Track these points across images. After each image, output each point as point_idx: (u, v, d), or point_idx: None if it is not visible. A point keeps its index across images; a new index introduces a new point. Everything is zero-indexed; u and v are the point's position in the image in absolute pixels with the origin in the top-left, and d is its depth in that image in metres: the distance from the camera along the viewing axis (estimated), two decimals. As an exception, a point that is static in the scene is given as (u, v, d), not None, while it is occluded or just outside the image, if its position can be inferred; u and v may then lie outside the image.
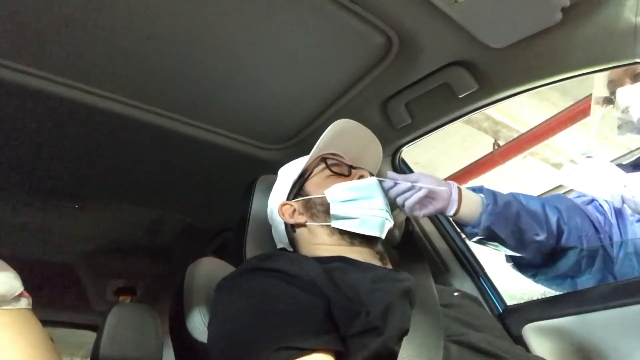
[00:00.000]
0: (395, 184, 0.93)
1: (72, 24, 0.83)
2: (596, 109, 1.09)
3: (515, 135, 3.19)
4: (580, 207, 1.02)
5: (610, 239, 0.99)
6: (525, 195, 1.00)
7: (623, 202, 0.88)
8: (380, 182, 0.95)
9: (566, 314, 0.97)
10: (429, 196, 0.93)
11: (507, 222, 0.93)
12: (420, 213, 0.94)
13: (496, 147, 3.29)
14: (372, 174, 0.98)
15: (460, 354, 0.66)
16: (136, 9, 0.81)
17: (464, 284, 1.19)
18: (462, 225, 0.98)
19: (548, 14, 0.81)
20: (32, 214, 1.62)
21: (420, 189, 0.91)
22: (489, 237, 0.95)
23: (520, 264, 1.07)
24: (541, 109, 3.02)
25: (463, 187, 0.96)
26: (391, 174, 0.95)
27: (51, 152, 1.24)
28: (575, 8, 0.80)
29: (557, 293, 1.05)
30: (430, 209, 0.93)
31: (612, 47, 0.81)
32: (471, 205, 0.94)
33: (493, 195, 0.96)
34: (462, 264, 1.22)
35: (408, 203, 0.92)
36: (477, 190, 0.98)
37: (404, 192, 0.93)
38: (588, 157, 0.95)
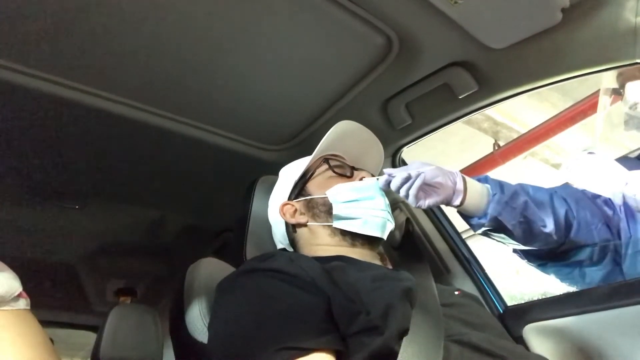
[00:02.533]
0: (392, 177, 0.90)
1: (73, 26, 0.83)
2: (604, 100, 1.07)
3: (515, 136, 3.19)
4: (590, 199, 1.00)
5: (619, 233, 0.98)
6: (533, 187, 0.98)
7: (624, 199, 0.88)
8: (379, 178, 0.92)
9: (567, 314, 0.96)
10: (433, 186, 0.89)
11: (514, 212, 0.90)
12: (425, 203, 0.89)
13: (496, 148, 3.29)
14: (373, 176, 0.97)
15: (461, 353, 0.66)
16: (138, 12, 0.81)
17: (464, 284, 1.19)
18: (467, 216, 0.95)
19: (548, 15, 0.81)
20: (32, 214, 1.62)
21: (419, 175, 0.87)
22: (496, 227, 0.92)
23: (528, 253, 1.04)
24: (541, 109, 3.01)
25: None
26: (387, 169, 0.92)
27: (52, 152, 1.25)
28: (575, 9, 0.79)
29: (558, 293, 1.05)
30: (436, 198, 0.89)
31: (612, 48, 0.81)
32: (477, 195, 0.91)
33: (499, 184, 0.93)
34: (463, 264, 1.22)
35: (411, 192, 0.88)
36: (482, 180, 0.95)
37: (404, 182, 0.89)
38: (590, 153, 0.94)
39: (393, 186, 0.90)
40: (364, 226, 0.88)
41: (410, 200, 0.89)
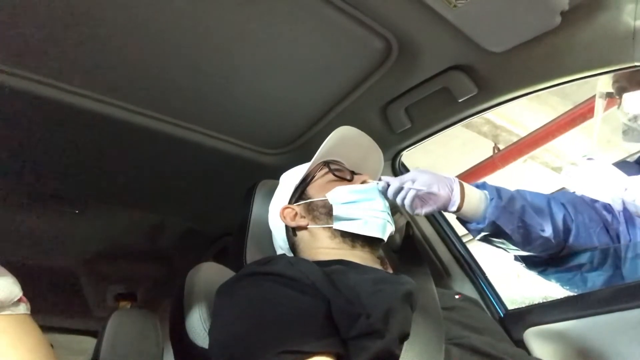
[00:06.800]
0: (389, 185, 0.93)
1: (74, 31, 0.83)
2: (600, 103, 1.07)
3: (515, 139, 3.20)
4: (589, 203, 1.00)
5: (618, 237, 0.98)
6: (530, 192, 0.99)
7: (624, 205, 0.88)
8: (377, 184, 0.94)
9: (568, 318, 0.96)
10: (430, 193, 0.91)
11: (512, 216, 0.91)
12: (422, 211, 0.92)
13: (496, 151, 3.30)
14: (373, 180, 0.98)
15: (461, 356, 0.66)
16: (137, 16, 0.81)
17: (465, 288, 1.19)
18: (466, 222, 0.96)
19: (547, 18, 0.81)
20: (32, 219, 1.62)
21: (412, 185, 0.90)
22: (495, 233, 0.93)
23: (529, 260, 1.05)
24: (541, 112, 3.02)
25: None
26: (385, 177, 0.94)
27: (51, 157, 1.24)
28: (574, 12, 0.80)
29: (559, 297, 1.04)
30: (432, 206, 0.91)
31: (611, 51, 0.81)
32: (474, 201, 0.92)
33: (497, 190, 0.94)
34: (463, 268, 1.22)
35: (406, 202, 0.91)
36: (480, 186, 0.96)
37: (398, 192, 0.92)
38: (589, 158, 0.94)
39: (389, 195, 0.93)
40: (364, 227, 0.88)
41: (407, 209, 0.92)
